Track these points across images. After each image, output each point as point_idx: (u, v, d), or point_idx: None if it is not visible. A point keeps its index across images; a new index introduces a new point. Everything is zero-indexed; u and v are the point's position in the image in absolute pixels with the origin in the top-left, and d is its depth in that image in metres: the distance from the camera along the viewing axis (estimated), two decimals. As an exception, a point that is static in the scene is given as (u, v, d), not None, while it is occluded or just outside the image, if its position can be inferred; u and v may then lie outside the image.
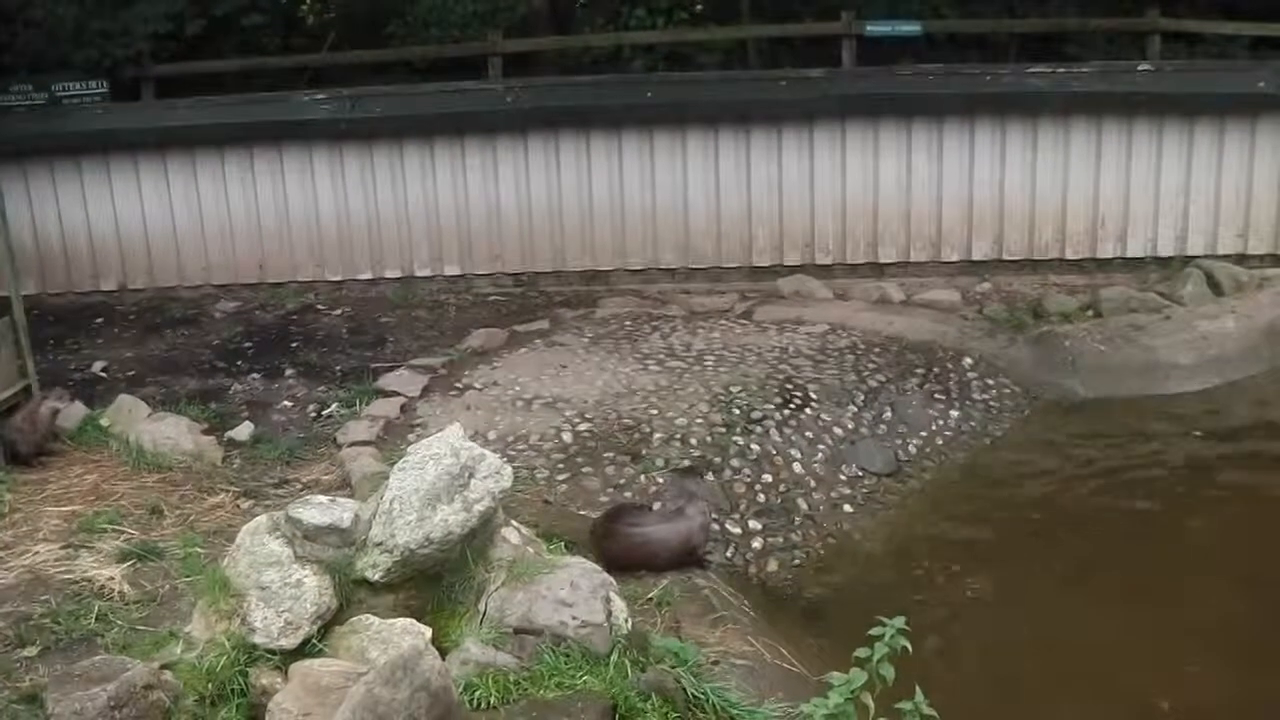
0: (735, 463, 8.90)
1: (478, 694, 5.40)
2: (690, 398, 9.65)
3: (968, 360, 10.95)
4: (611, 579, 6.17)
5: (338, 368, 10.89)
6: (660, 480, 8.55)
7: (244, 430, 9.54)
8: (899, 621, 4.91)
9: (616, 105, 12.70)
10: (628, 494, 8.44)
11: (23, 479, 8.38)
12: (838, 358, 10.59)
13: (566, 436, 9.17)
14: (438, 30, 14.63)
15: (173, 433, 9.12)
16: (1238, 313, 11.54)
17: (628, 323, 11.63)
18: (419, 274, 13.08)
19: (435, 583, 5.94)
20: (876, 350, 10.82)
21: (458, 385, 10.22)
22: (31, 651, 6.16)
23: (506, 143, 12.77)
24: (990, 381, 10.78)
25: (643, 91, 12.92)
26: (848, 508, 8.94)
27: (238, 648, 5.46)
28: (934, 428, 10.03)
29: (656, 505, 8.15)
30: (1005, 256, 12.68)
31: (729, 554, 8.16)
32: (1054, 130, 12.35)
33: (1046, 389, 10.89)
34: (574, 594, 5.86)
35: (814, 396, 9.84)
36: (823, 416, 9.66)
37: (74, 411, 9.36)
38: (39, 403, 8.94)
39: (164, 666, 5.37)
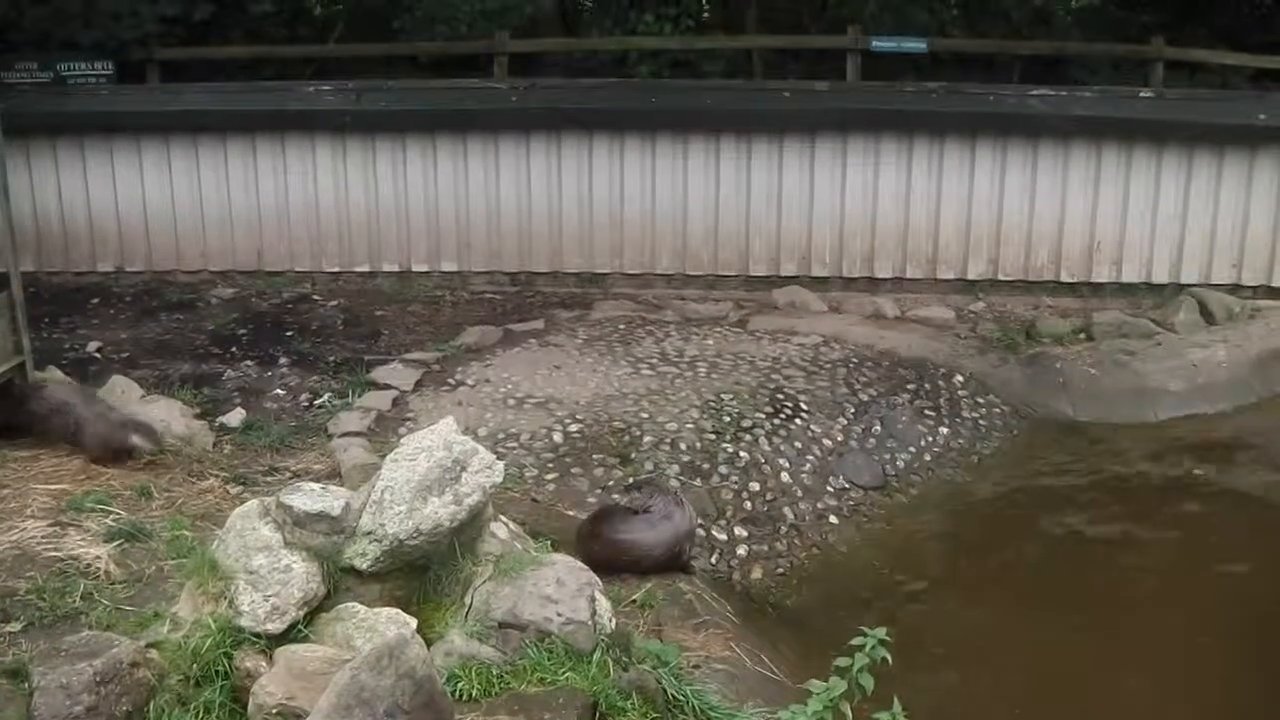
0: (723, 470, 8.94)
1: (460, 685, 5.43)
2: (681, 403, 9.69)
3: (959, 378, 11.01)
4: (597, 578, 6.20)
5: (331, 358, 10.90)
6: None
7: (236, 416, 9.55)
8: (880, 632, 4.96)
9: (620, 109, 12.76)
10: (615, 496, 8.47)
11: (13, 455, 8.37)
12: (830, 370, 10.63)
13: (557, 436, 9.20)
14: (445, 27, 14.66)
15: (164, 416, 9.11)
16: (1229, 342, 11.62)
17: (622, 326, 11.67)
18: (416, 269, 13.10)
19: (422, 574, 5.96)
20: (869, 364, 10.87)
21: (450, 381, 10.25)
22: (15, 627, 6.16)
23: (509, 142, 12.80)
24: (980, 400, 10.84)
25: (647, 97, 12.99)
26: (833, 519, 8.99)
27: (223, 630, 5.47)
28: (923, 444, 10.07)
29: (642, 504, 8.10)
30: (1000, 276, 12.75)
31: (714, 560, 8.19)
32: (1054, 153, 12.42)
33: (1037, 410, 10.95)
34: (560, 591, 5.89)
35: (805, 407, 9.89)
36: (812, 428, 9.70)
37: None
38: (127, 434, 8.46)
39: (149, 646, 5.38)
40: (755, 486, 8.90)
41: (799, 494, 9.03)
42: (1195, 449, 10.43)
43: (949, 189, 12.58)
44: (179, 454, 8.74)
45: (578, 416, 9.47)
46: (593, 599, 5.97)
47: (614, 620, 6.08)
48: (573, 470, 8.81)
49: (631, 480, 8.43)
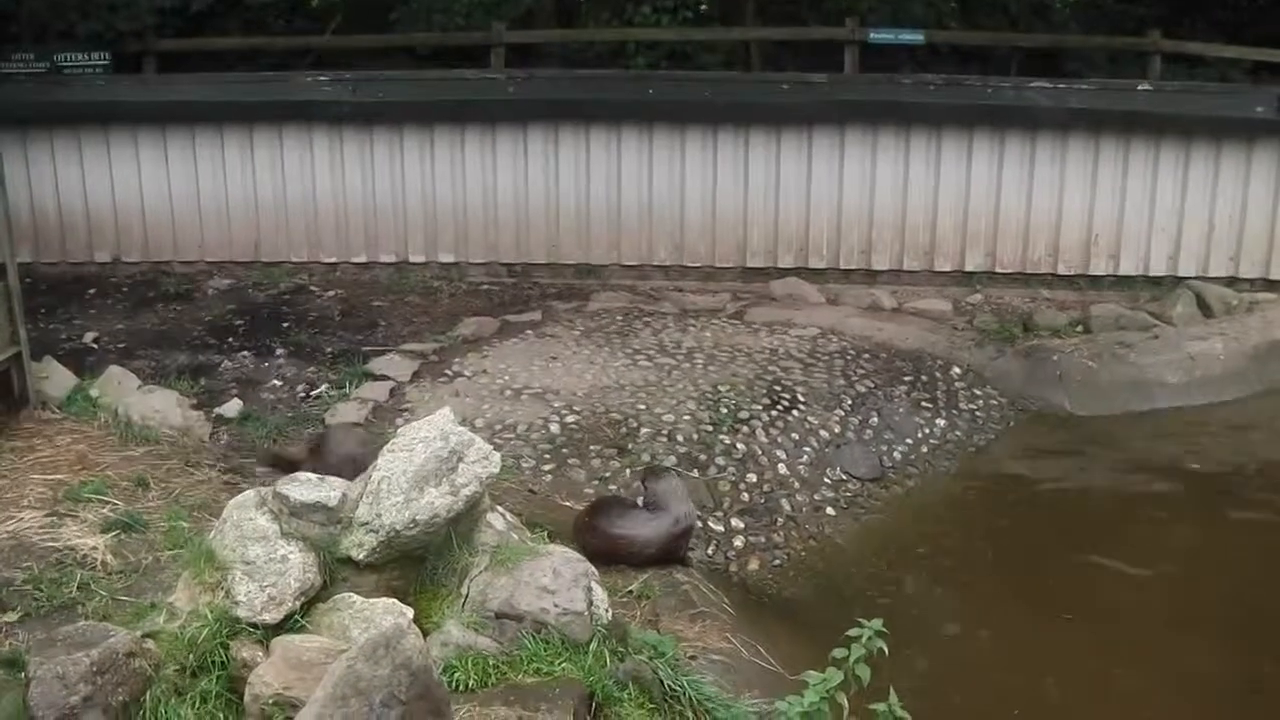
0: (720, 461, 8.94)
1: (456, 676, 5.42)
2: (678, 395, 9.69)
3: (956, 370, 11.01)
4: (593, 569, 6.19)
5: (328, 349, 10.90)
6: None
7: (232, 407, 9.56)
8: (877, 624, 4.96)
9: (618, 101, 12.72)
10: (612, 487, 8.47)
11: (9, 445, 8.37)
12: (827, 362, 10.64)
13: (554, 427, 9.20)
14: (442, 18, 14.64)
15: (161, 406, 9.13)
16: (1226, 335, 11.61)
17: (619, 317, 11.66)
18: (413, 260, 13.09)
19: (419, 564, 5.96)
20: (866, 356, 10.87)
21: (447, 372, 10.25)
22: (12, 617, 6.17)
23: (506, 133, 12.79)
24: (978, 392, 10.84)
25: (644, 88, 12.95)
26: (830, 511, 8.99)
27: (220, 620, 5.46)
28: (920, 435, 10.07)
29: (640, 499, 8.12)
30: (998, 269, 12.74)
31: (710, 551, 8.20)
32: (1052, 145, 12.41)
33: (1033, 402, 10.95)
34: (556, 581, 5.87)
35: (802, 399, 9.89)
36: (809, 419, 9.70)
37: (63, 380, 9.38)
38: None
39: (146, 636, 5.37)
40: (752, 478, 8.91)
41: (796, 486, 9.04)
42: (1192, 442, 10.43)
43: (947, 181, 12.57)
44: (176, 444, 8.76)
45: (575, 408, 9.47)
46: (589, 589, 5.96)
47: (610, 611, 6.07)
48: (570, 461, 8.81)
49: (639, 469, 8.41)
